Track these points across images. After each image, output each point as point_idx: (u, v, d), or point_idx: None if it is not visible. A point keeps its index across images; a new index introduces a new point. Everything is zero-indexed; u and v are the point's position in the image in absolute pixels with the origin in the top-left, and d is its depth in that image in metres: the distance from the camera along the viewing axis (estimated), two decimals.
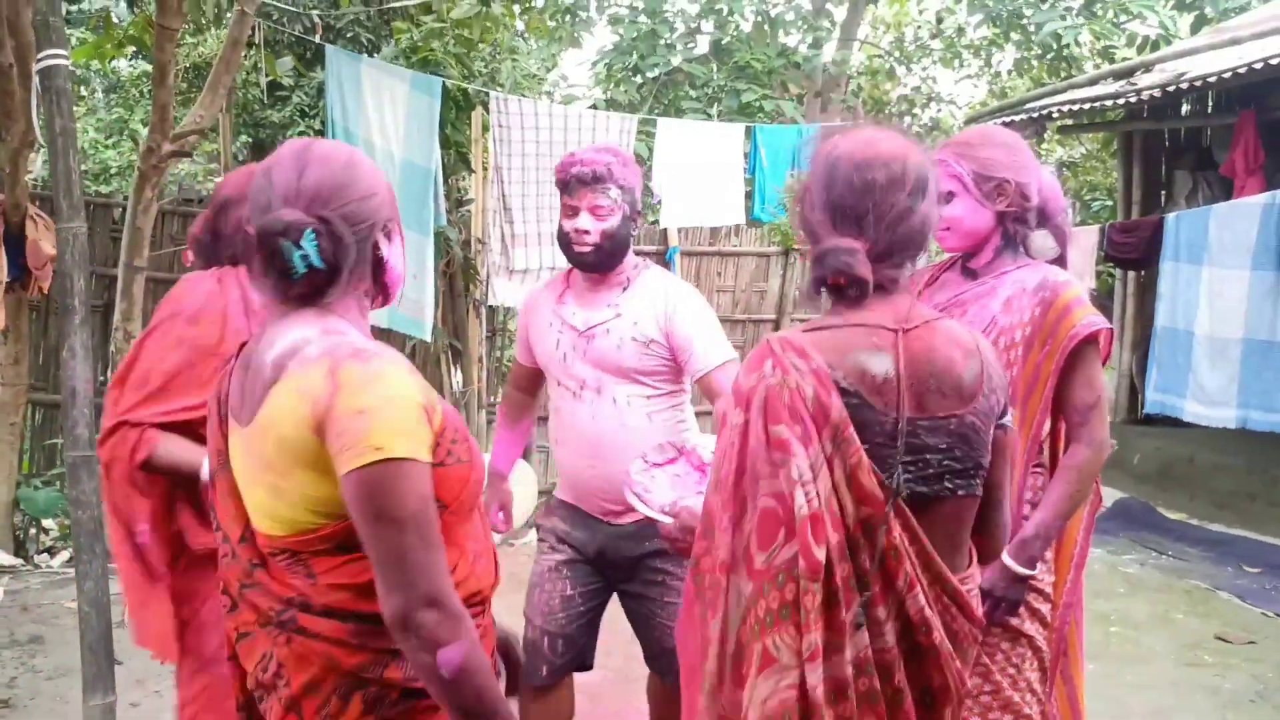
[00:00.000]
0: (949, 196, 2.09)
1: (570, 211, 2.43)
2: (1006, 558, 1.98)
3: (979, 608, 1.56)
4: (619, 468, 2.37)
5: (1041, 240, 2.16)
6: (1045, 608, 2.14)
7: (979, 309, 2.10)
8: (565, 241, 2.45)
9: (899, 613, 1.42)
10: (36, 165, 5.43)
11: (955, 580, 1.48)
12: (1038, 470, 2.15)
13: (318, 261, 1.32)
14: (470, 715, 1.29)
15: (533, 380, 2.75)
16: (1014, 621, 2.08)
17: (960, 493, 1.50)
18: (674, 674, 2.44)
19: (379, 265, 1.43)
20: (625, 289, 2.49)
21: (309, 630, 1.32)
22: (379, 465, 1.24)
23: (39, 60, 3.57)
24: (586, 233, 2.40)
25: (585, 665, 2.60)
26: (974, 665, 1.78)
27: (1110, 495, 6.84)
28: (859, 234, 1.47)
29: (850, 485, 1.39)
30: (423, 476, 1.28)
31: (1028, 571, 2.02)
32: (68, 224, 3.05)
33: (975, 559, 1.61)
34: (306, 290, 1.36)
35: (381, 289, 1.47)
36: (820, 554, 1.35)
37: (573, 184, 2.42)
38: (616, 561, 2.53)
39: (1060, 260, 2.17)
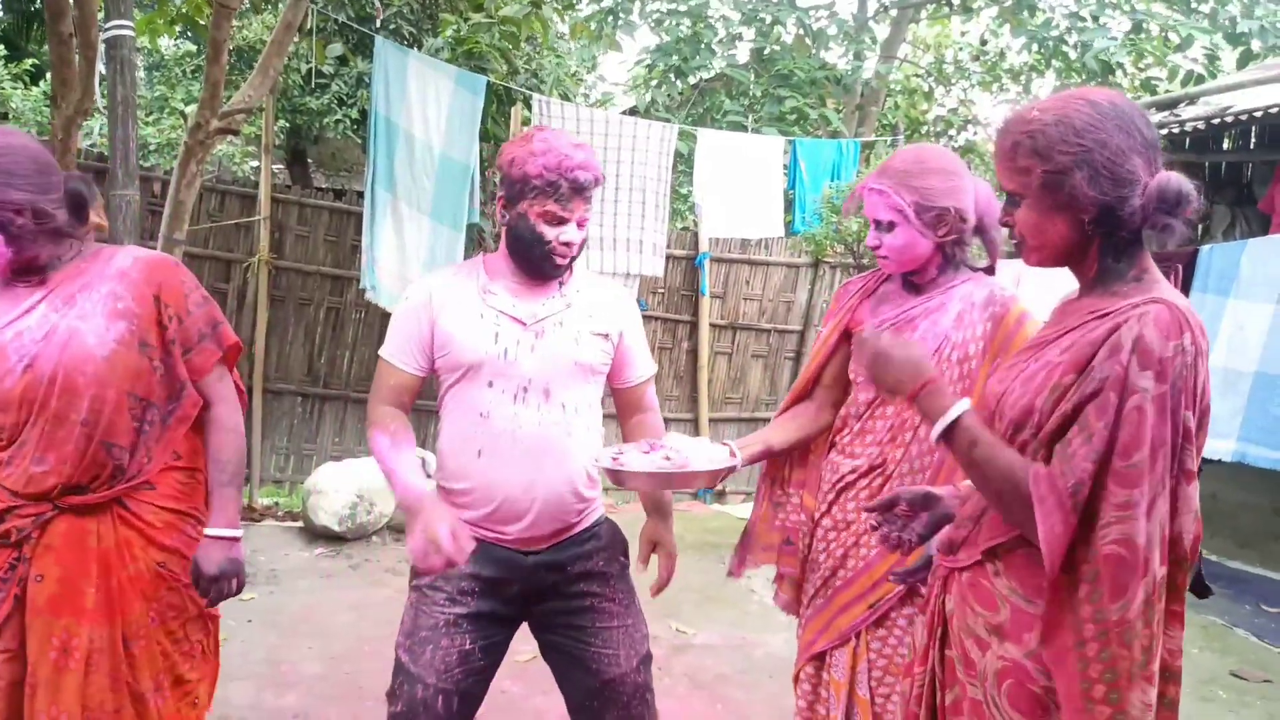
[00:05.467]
0: (890, 226, 2.12)
1: (554, 219, 2.10)
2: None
3: None
4: (558, 484, 2.15)
5: (973, 254, 2.24)
6: None
7: (930, 325, 2.14)
8: (542, 252, 2.12)
9: None
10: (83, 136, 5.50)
11: None
12: None
13: None
14: None
15: (415, 394, 2.26)
16: None
17: None
18: (631, 709, 2.16)
19: None
20: (564, 283, 2.22)
21: None
22: None
23: (105, 29, 3.65)
24: (572, 245, 2.13)
25: None
26: None
27: None
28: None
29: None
30: None
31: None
32: (122, 190, 3.10)
33: None
34: None
35: None
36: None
37: (565, 191, 2.08)
38: (533, 595, 2.19)
39: (989, 269, 2.23)
